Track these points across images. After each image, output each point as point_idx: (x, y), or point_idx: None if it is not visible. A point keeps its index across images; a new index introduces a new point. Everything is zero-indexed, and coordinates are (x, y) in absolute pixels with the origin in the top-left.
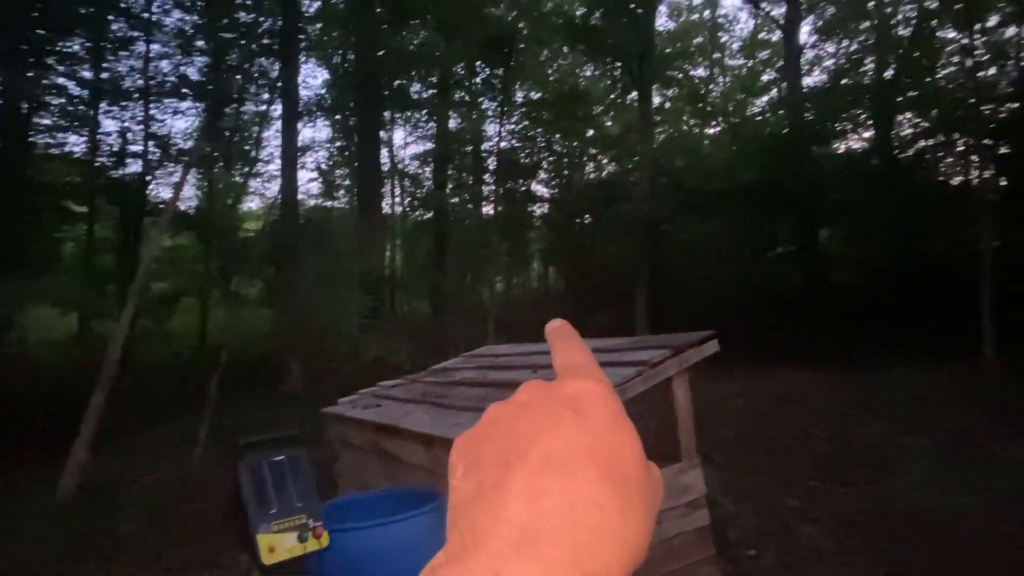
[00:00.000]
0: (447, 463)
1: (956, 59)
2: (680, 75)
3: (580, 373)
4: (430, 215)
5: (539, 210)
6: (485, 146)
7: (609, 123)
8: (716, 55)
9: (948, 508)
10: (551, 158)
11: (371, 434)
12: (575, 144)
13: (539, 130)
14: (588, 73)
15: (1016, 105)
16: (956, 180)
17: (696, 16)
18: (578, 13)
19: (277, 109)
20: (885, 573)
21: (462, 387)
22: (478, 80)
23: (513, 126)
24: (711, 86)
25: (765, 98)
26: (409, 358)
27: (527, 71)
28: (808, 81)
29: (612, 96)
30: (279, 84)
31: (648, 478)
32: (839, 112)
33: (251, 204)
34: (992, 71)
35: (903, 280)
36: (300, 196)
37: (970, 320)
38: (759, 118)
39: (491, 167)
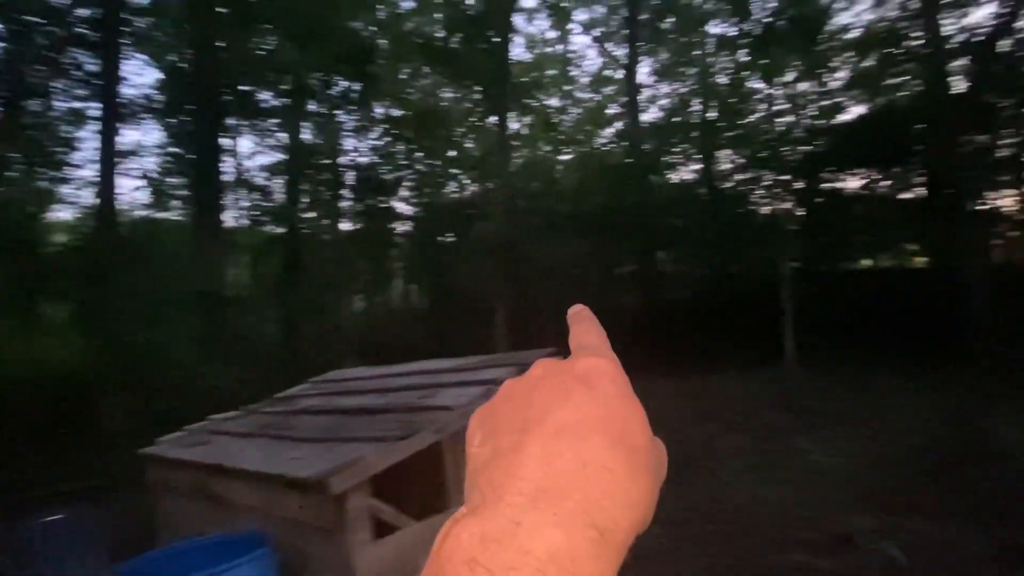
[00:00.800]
0: (283, 504)
1: (763, 106)
2: (535, 103)
3: (591, 351)
4: (282, 230)
5: (401, 228)
6: (343, 160)
7: (470, 144)
8: (568, 87)
9: (762, 498)
10: (413, 176)
11: (196, 475)
12: (437, 163)
13: (400, 147)
14: (449, 94)
15: (809, 148)
16: (765, 209)
17: (550, 49)
18: (438, 35)
19: (97, 108)
20: (711, 564)
21: (306, 416)
22: (334, 92)
23: (374, 141)
24: (563, 116)
25: (611, 130)
26: (251, 387)
27: (386, 87)
28: (647, 117)
29: (472, 118)
30: (97, 80)
31: (654, 450)
32: (671, 146)
33: (61, 214)
34: (790, 118)
35: (724, 295)
36: (123, 206)
37: (776, 330)
38: (605, 148)
39: (350, 182)
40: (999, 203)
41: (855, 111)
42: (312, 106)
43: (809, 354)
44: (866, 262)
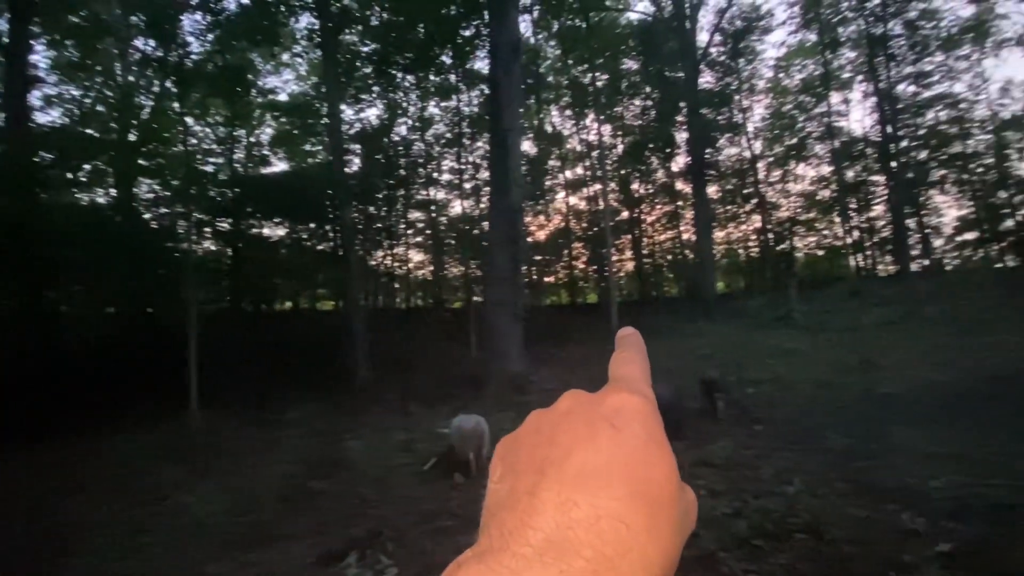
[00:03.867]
0: None
1: (192, 141)
2: None
3: (626, 385)
4: None
5: None
6: None
7: None
8: None
9: (128, 571)
10: None
11: None
12: None
13: None
14: None
15: (237, 190)
16: (196, 247)
17: None
18: None
19: None
20: None
21: None
22: None
23: None
24: None
25: None
26: None
27: None
28: (44, 119)
29: None
30: None
31: (681, 500)
32: (78, 160)
33: None
34: (219, 160)
35: (135, 340)
36: None
37: (183, 377)
38: None
39: None
40: (382, 260)
41: (280, 166)
42: None
43: (221, 398)
44: (287, 304)
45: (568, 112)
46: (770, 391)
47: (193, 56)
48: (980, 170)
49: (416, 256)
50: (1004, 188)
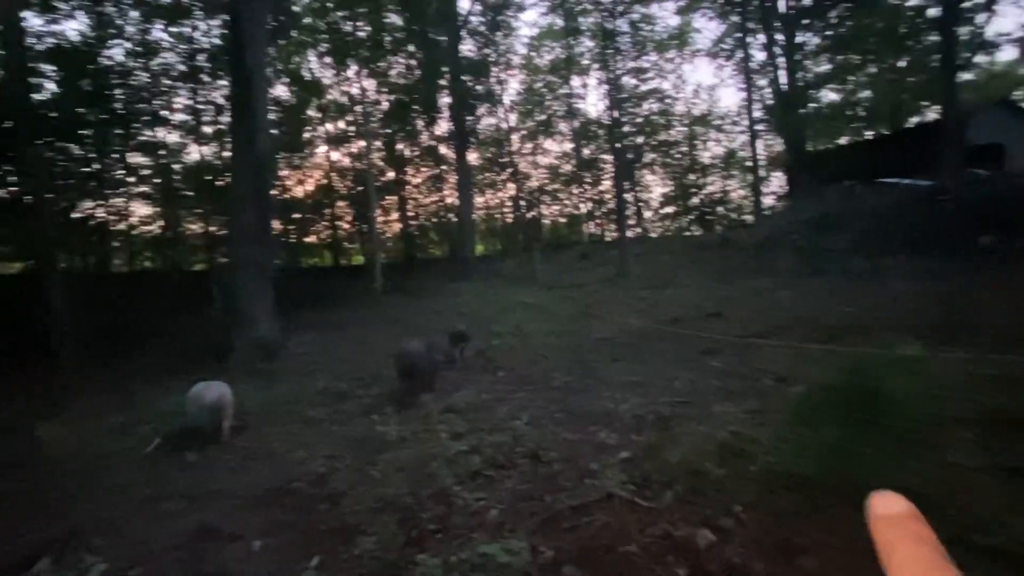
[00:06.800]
0: None
1: None
2: None
3: None
4: None
5: None
6: None
7: None
8: None
9: None
10: None
11: None
12: None
13: None
14: None
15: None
16: None
17: None
18: None
19: None
20: None
21: None
22: None
23: None
24: None
25: None
26: None
27: None
28: None
29: None
30: None
31: None
32: None
33: None
34: None
35: None
36: None
37: None
38: None
39: None
40: (92, 213)
41: None
42: None
43: None
44: None
45: (328, 60)
46: (512, 342)
47: None
48: (678, 156)
49: (142, 210)
50: (693, 172)
